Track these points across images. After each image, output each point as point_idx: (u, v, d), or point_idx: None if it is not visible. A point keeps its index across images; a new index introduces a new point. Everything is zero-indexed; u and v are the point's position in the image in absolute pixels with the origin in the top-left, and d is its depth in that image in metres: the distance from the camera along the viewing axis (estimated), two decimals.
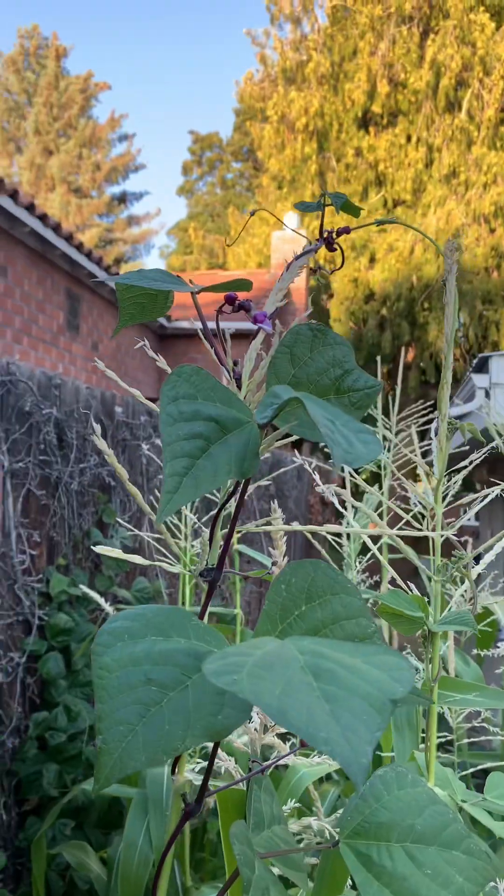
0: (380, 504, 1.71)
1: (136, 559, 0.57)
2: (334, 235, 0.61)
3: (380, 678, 0.38)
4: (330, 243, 0.60)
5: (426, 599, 0.61)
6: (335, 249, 0.61)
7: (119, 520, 1.86)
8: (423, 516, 0.91)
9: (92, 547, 0.56)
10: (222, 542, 0.51)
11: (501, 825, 0.72)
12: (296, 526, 0.56)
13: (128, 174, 22.89)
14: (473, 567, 0.65)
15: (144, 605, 0.46)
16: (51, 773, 2.12)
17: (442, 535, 0.62)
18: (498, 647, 1.62)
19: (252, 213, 0.72)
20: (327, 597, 0.47)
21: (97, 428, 0.55)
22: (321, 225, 0.59)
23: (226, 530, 0.53)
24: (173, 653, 0.44)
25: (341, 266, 0.66)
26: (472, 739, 1.34)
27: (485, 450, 0.71)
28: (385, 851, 0.51)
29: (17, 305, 6.29)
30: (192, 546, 1.52)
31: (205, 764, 0.68)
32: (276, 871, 0.57)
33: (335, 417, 0.43)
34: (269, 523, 0.78)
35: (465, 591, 0.86)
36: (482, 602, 2.19)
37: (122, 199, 23.31)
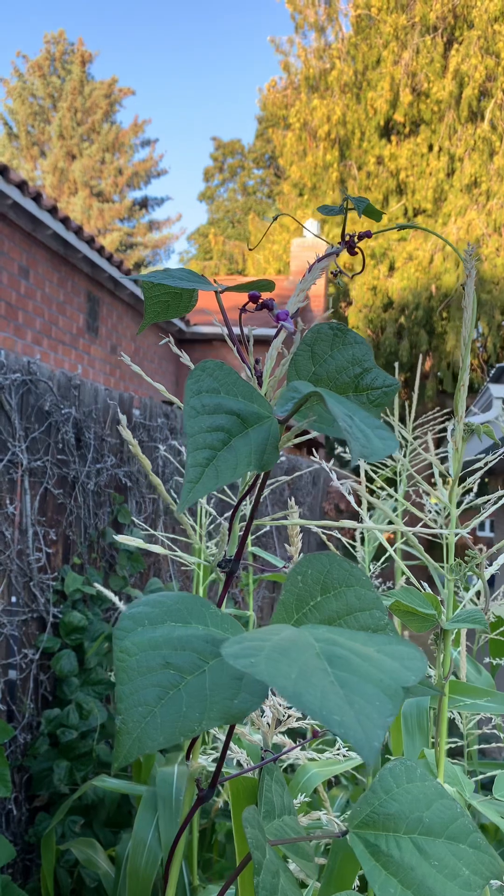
0: (395, 508, 1.72)
1: (156, 549, 0.59)
2: (356, 239, 0.62)
3: (392, 666, 0.40)
4: (351, 247, 0.61)
5: (439, 599, 0.62)
6: (356, 253, 0.62)
7: (135, 519, 1.88)
8: (438, 524, 0.92)
9: (114, 537, 0.58)
10: (240, 535, 0.52)
11: None
12: (310, 521, 0.57)
13: (150, 179, 23.03)
14: (487, 568, 0.66)
15: (164, 593, 0.48)
16: (61, 769, 2.14)
17: (456, 534, 0.63)
18: None
19: (275, 218, 0.73)
20: (342, 588, 0.48)
21: (123, 419, 0.57)
22: (343, 228, 0.60)
23: (244, 523, 0.54)
24: (191, 638, 0.45)
25: (361, 271, 0.67)
26: (482, 746, 1.34)
27: (500, 452, 0.72)
28: (393, 842, 0.52)
29: (38, 307, 6.35)
30: (208, 547, 1.54)
31: (217, 755, 0.69)
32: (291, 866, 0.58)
33: (353, 413, 0.45)
34: (285, 517, 0.79)
35: (478, 591, 0.87)
36: (495, 611, 2.18)
37: (144, 203, 23.46)
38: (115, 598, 1.89)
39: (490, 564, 0.69)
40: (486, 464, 0.66)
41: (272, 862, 0.48)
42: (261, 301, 0.49)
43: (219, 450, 0.46)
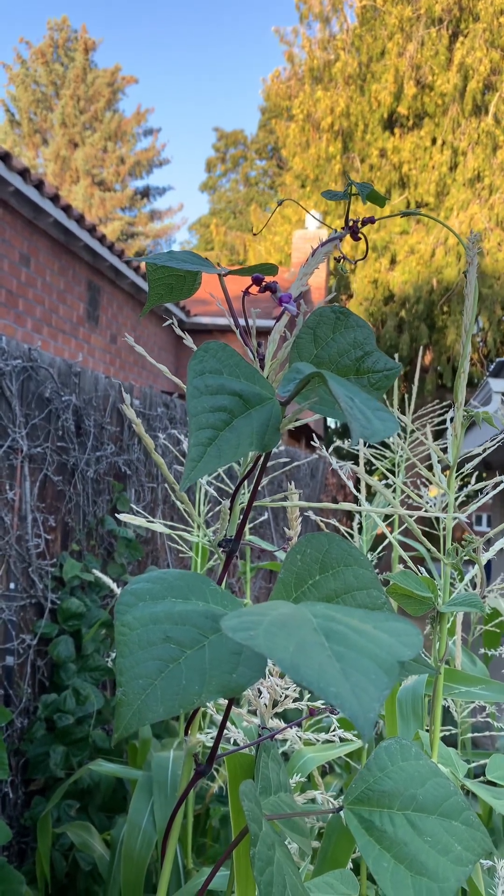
0: (393, 496, 1.72)
1: (158, 527, 0.59)
2: (359, 225, 0.63)
3: (389, 642, 0.40)
4: (355, 232, 0.62)
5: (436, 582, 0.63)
6: (360, 238, 0.63)
7: (133, 507, 1.89)
8: (437, 518, 0.93)
9: (118, 515, 0.59)
10: (240, 516, 0.53)
11: (502, 803, 0.73)
12: (310, 503, 0.58)
13: (152, 169, 22.94)
14: (484, 552, 0.66)
15: (165, 570, 0.49)
16: (58, 754, 2.15)
17: (455, 518, 0.64)
18: None
19: (279, 203, 0.73)
20: (340, 568, 0.48)
21: (127, 398, 0.58)
22: (346, 214, 0.61)
23: (244, 504, 0.55)
24: (192, 614, 0.46)
25: (364, 257, 0.67)
26: (474, 735, 1.36)
27: (499, 439, 0.72)
28: (387, 818, 0.53)
29: (39, 295, 6.34)
30: (206, 534, 1.54)
31: (213, 733, 0.70)
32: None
33: (354, 395, 0.45)
34: (285, 499, 0.80)
35: (472, 579, 0.88)
36: (490, 603, 2.19)
37: (146, 193, 23.38)
38: (114, 585, 1.90)
39: (486, 550, 0.69)
40: (484, 450, 0.67)
41: (268, 834, 0.49)
42: (264, 284, 0.50)
43: (221, 430, 0.47)
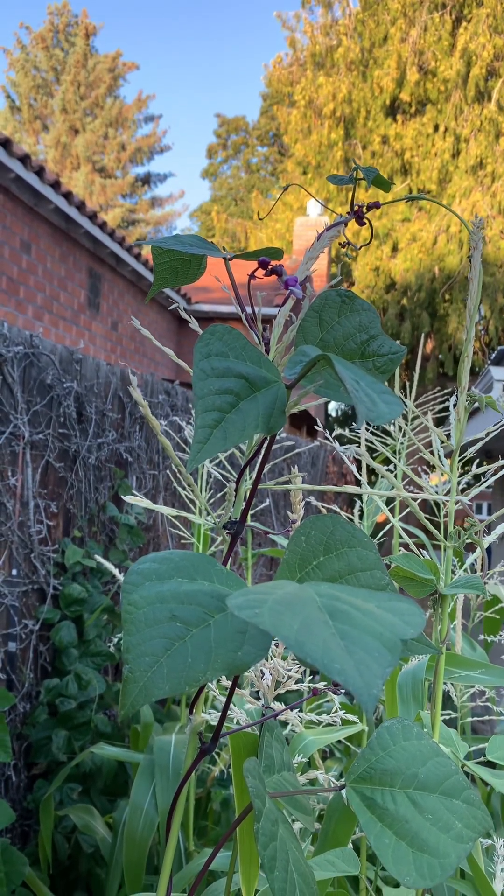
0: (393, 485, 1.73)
1: (164, 510, 0.60)
2: (364, 210, 0.63)
3: (392, 620, 0.41)
4: (360, 217, 0.62)
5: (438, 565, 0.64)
6: (365, 223, 0.63)
7: (135, 492, 1.89)
8: (437, 505, 0.93)
9: (123, 498, 0.59)
10: (245, 497, 0.53)
11: (502, 782, 0.74)
12: (313, 486, 0.58)
13: (153, 155, 22.83)
14: (486, 536, 0.67)
15: (171, 550, 0.49)
16: (60, 738, 2.17)
17: (458, 502, 0.64)
18: None
19: (286, 188, 0.74)
20: (344, 549, 0.49)
21: (134, 379, 0.58)
22: (352, 199, 0.61)
23: (249, 486, 0.55)
24: (197, 593, 0.46)
25: (369, 242, 0.67)
26: (475, 719, 1.37)
27: (502, 423, 0.73)
28: (389, 796, 0.54)
29: (40, 282, 6.33)
30: (207, 521, 1.55)
31: (216, 714, 0.71)
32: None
33: (360, 378, 0.46)
34: (288, 482, 0.80)
35: (472, 564, 0.88)
36: (490, 590, 2.21)
37: (146, 180, 23.28)
38: (116, 571, 1.91)
39: (488, 534, 0.70)
40: (487, 434, 0.67)
41: (271, 811, 0.50)
42: (270, 267, 0.50)
43: (227, 412, 0.47)
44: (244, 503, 0.55)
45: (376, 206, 0.64)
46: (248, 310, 0.58)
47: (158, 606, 0.45)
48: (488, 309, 12.66)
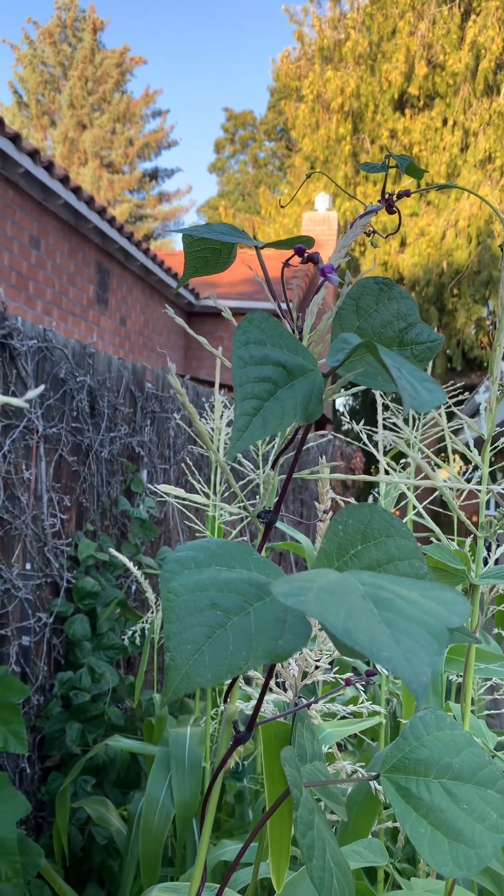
0: (408, 474, 1.72)
1: (197, 498, 0.60)
2: (394, 198, 0.62)
3: (436, 609, 0.41)
4: (390, 205, 0.62)
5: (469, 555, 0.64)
6: (395, 211, 0.63)
7: (149, 485, 1.90)
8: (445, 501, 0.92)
9: (132, 489, 0.59)
10: (280, 488, 0.53)
11: None
12: (343, 475, 0.58)
13: (160, 150, 22.80)
14: None
15: (208, 539, 0.49)
16: (73, 731, 2.18)
17: (489, 490, 0.64)
18: None
19: (308, 175, 0.73)
20: (382, 538, 0.49)
21: (172, 367, 0.58)
22: (384, 187, 0.61)
23: (283, 476, 0.55)
24: (236, 581, 0.46)
25: (397, 231, 0.67)
26: (490, 712, 1.37)
27: None
28: (423, 785, 0.54)
29: (49, 277, 6.34)
30: (222, 514, 1.55)
31: (248, 703, 0.71)
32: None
33: (401, 366, 0.45)
34: (314, 472, 0.80)
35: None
36: None
37: (154, 175, 23.25)
38: (130, 564, 1.91)
39: None
40: None
41: (308, 800, 0.50)
42: (307, 254, 0.50)
43: (265, 400, 0.47)
44: (278, 493, 0.55)
45: (407, 194, 0.63)
46: (283, 286, 0.58)
47: (198, 594, 0.45)
48: (496, 303, 12.60)
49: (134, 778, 2.36)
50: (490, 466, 0.85)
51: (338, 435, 1.22)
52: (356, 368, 0.49)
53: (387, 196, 0.62)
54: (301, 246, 0.50)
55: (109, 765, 2.24)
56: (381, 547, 0.49)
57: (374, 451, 0.87)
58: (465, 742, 0.56)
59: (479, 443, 0.81)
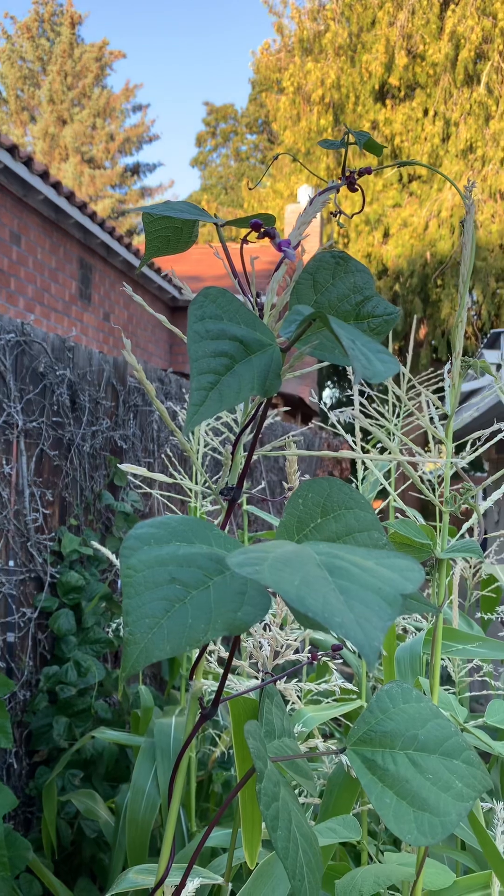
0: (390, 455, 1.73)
1: (160, 476, 0.60)
2: (356, 175, 0.62)
3: (391, 576, 0.41)
4: (352, 183, 0.62)
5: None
6: (356, 189, 0.63)
7: (131, 477, 1.89)
8: (432, 483, 0.93)
9: (118, 465, 0.59)
10: (242, 464, 0.53)
11: (501, 744, 0.75)
12: (308, 451, 0.58)
13: (141, 145, 22.69)
14: (482, 502, 0.67)
15: (169, 515, 0.49)
16: (61, 725, 2.17)
17: (453, 465, 0.64)
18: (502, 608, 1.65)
19: (276, 157, 0.73)
20: (342, 511, 0.49)
21: (131, 358, 0.58)
22: (343, 164, 0.61)
23: (246, 453, 0.55)
24: (196, 556, 0.46)
25: (361, 210, 0.67)
26: (473, 693, 1.37)
27: (494, 387, 0.73)
28: (389, 757, 0.54)
29: (30, 273, 6.30)
30: (203, 505, 1.55)
31: (216, 685, 0.71)
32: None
33: (356, 338, 0.46)
34: (283, 448, 0.80)
35: (470, 528, 0.89)
36: (486, 569, 2.21)
37: (136, 170, 23.15)
38: (113, 558, 1.91)
39: (485, 499, 0.70)
40: (481, 398, 0.67)
41: (273, 773, 0.50)
42: (263, 230, 0.50)
43: (222, 374, 0.47)
44: (240, 469, 0.55)
45: (368, 171, 0.63)
46: (243, 264, 0.58)
47: (157, 569, 0.45)
48: (480, 294, 12.66)
49: (123, 771, 2.36)
50: (463, 445, 0.86)
51: (319, 427, 1.23)
52: (314, 340, 0.49)
53: (347, 174, 0.62)
54: (257, 221, 0.50)
55: (98, 758, 2.25)
56: (340, 519, 0.49)
57: (344, 434, 0.87)
58: (431, 714, 0.57)
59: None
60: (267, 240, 0.54)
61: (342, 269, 0.50)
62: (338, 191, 0.62)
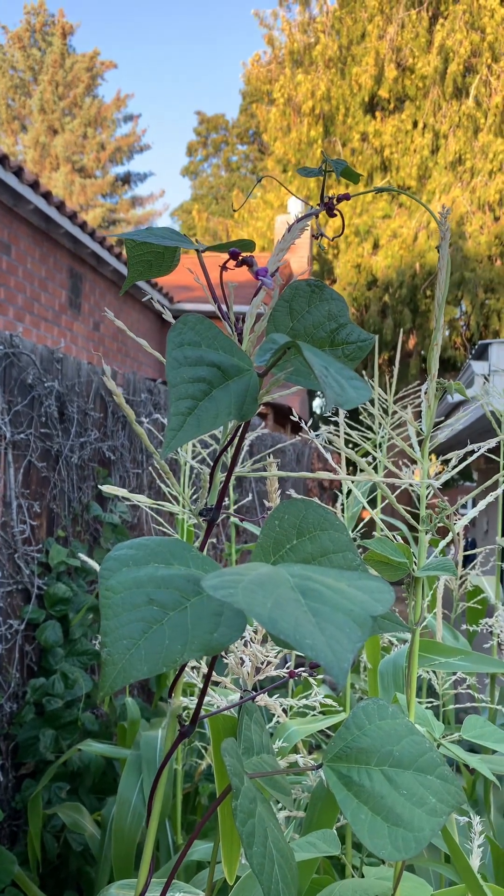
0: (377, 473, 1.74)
1: (142, 499, 0.61)
2: (335, 201, 0.64)
3: (362, 598, 0.42)
4: (330, 208, 0.63)
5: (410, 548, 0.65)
6: (335, 214, 0.64)
7: (119, 492, 1.90)
8: (418, 496, 0.95)
9: (100, 486, 0.60)
10: (221, 484, 0.54)
11: (476, 759, 0.76)
12: (290, 473, 0.60)
13: (132, 154, 22.76)
14: (470, 510, 0.69)
15: (147, 537, 0.50)
16: (47, 737, 2.17)
17: (428, 486, 0.66)
18: (488, 621, 1.66)
19: (259, 179, 0.75)
20: (317, 532, 0.50)
21: (108, 369, 0.59)
22: (322, 190, 0.62)
23: (225, 473, 0.56)
24: (174, 578, 0.47)
25: (341, 234, 0.69)
26: (458, 706, 1.39)
27: (471, 409, 0.75)
28: (365, 773, 0.55)
29: (20, 283, 6.30)
30: (191, 517, 1.56)
31: (195, 699, 0.72)
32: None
33: (329, 364, 0.47)
34: (264, 469, 0.81)
35: (449, 542, 0.90)
36: (473, 580, 2.22)
37: (127, 179, 23.21)
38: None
39: (474, 506, 0.71)
40: (456, 419, 0.69)
41: (249, 789, 0.51)
42: (241, 258, 0.51)
43: (200, 399, 0.48)
44: (219, 490, 0.57)
45: (346, 197, 0.65)
46: (223, 289, 0.59)
47: (135, 591, 0.46)
48: (469, 304, 12.74)
49: (110, 784, 2.36)
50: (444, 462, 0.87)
51: (308, 438, 1.24)
52: (289, 367, 0.51)
53: (326, 200, 0.63)
54: (235, 249, 0.51)
55: (84, 771, 2.24)
56: (315, 541, 0.50)
57: (321, 448, 0.88)
58: (407, 730, 0.58)
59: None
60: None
61: (317, 297, 0.52)
62: (317, 216, 0.64)
